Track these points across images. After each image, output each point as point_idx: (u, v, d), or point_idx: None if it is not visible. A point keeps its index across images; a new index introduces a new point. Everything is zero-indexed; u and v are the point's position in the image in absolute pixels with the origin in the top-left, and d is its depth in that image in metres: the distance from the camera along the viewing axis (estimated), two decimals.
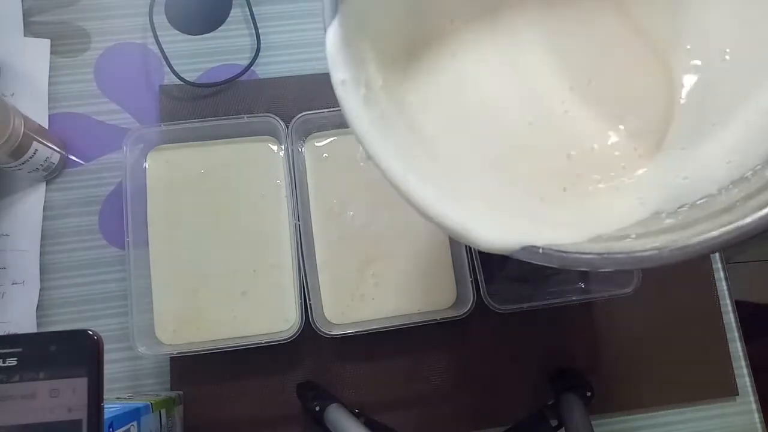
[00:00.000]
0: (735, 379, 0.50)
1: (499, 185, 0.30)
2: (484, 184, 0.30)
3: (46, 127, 0.52)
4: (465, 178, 0.30)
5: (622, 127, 0.31)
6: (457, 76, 0.32)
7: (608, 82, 0.32)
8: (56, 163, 0.50)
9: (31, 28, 0.54)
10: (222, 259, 0.48)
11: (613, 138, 0.31)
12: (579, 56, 0.33)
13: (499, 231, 0.25)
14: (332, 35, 0.27)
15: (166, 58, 0.52)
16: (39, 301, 0.49)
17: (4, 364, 0.26)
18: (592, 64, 0.33)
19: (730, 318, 0.51)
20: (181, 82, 0.52)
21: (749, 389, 0.50)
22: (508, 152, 0.31)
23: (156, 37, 0.53)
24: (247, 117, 0.49)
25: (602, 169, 0.30)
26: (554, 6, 0.33)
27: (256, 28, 0.54)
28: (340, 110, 0.54)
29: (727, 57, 0.29)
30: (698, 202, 0.25)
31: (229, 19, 0.56)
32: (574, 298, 0.46)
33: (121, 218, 0.46)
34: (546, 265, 0.23)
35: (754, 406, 0.50)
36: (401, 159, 0.26)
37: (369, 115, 0.27)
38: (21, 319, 0.48)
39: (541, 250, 0.24)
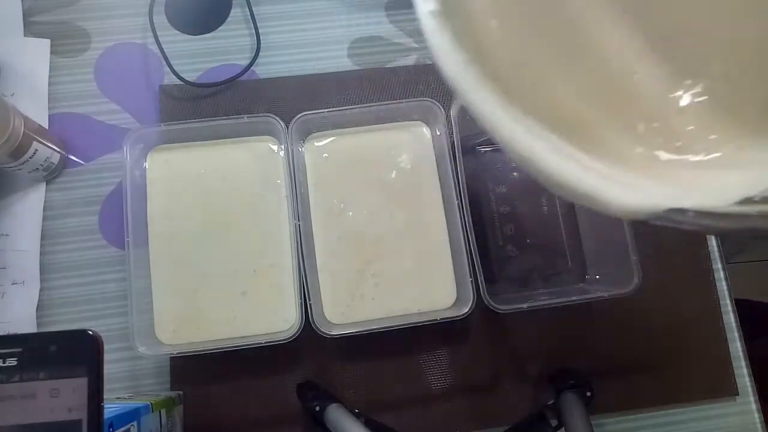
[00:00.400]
0: (735, 379, 0.50)
1: (606, 148, 0.27)
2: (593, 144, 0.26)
3: (46, 127, 0.52)
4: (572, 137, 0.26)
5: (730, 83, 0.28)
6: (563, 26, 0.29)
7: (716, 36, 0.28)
8: (56, 163, 0.50)
9: (31, 28, 0.54)
10: (222, 259, 0.48)
11: (725, 95, 0.27)
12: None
13: (630, 193, 0.22)
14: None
15: (166, 58, 0.52)
16: (39, 301, 0.49)
17: (4, 364, 0.26)
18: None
19: (730, 318, 0.51)
20: (181, 82, 0.52)
21: (749, 389, 0.50)
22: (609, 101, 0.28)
23: (156, 37, 0.53)
24: (247, 117, 0.49)
25: (722, 129, 0.27)
26: None
27: (256, 28, 0.54)
28: (339, 110, 0.54)
29: None
30: None
31: (229, 19, 0.56)
32: (574, 298, 0.46)
33: (121, 218, 0.46)
34: (698, 230, 0.21)
35: (754, 406, 0.50)
36: (505, 107, 0.23)
37: (463, 53, 0.23)
38: (21, 319, 0.48)
39: (691, 213, 0.20)
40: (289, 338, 0.44)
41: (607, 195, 0.21)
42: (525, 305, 0.45)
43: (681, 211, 0.21)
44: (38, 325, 0.48)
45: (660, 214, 0.21)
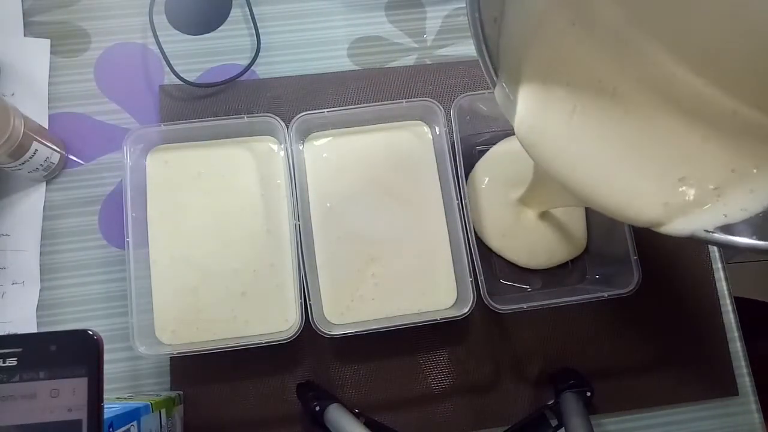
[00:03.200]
0: (735, 379, 0.50)
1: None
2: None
3: (46, 127, 0.52)
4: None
5: None
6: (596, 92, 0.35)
7: None
8: (56, 163, 0.50)
9: (31, 28, 0.54)
10: (222, 259, 0.48)
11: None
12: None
13: (677, 218, 0.29)
14: (498, 95, 0.35)
15: (166, 58, 0.52)
16: (39, 301, 0.49)
17: (4, 364, 0.26)
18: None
19: (730, 318, 0.51)
20: (181, 82, 0.52)
21: (749, 389, 0.50)
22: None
23: (156, 37, 0.53)
24: (247, 117, 0.49)
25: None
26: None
27: (256, 28, 0.54)
28: (339, 110, 0.54)
29: None
30: None
31: (229, 19, 0.56)
32: (574, 298, 0.46)
33: (121, 218, 0.46)
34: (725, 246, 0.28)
35: (754, 406, 0.50)
36: (585, 173, 0.32)
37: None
38: (21, 319, 0.48)
39: (714, 234, 0.28)
40: (289, 338, 0.44)
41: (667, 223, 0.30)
42: (525, 305, 0.45)
43: (707, 231, 0.28)
44: (38, 325, 0.48)
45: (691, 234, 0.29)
